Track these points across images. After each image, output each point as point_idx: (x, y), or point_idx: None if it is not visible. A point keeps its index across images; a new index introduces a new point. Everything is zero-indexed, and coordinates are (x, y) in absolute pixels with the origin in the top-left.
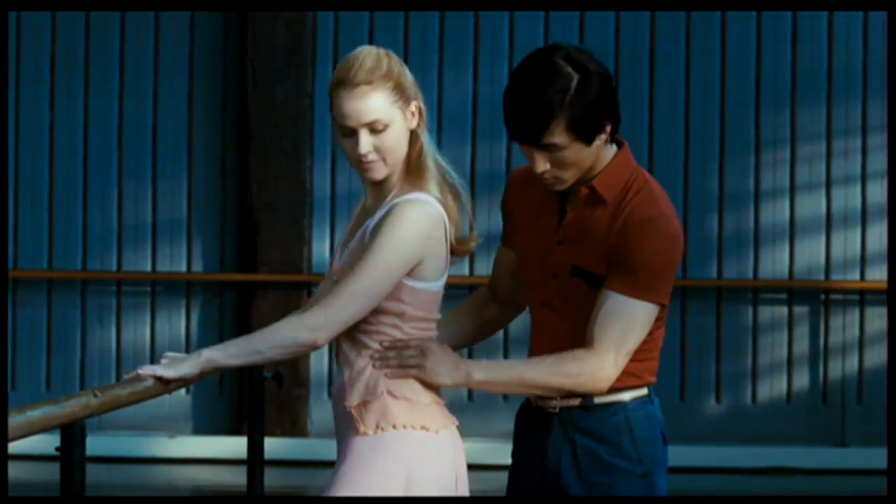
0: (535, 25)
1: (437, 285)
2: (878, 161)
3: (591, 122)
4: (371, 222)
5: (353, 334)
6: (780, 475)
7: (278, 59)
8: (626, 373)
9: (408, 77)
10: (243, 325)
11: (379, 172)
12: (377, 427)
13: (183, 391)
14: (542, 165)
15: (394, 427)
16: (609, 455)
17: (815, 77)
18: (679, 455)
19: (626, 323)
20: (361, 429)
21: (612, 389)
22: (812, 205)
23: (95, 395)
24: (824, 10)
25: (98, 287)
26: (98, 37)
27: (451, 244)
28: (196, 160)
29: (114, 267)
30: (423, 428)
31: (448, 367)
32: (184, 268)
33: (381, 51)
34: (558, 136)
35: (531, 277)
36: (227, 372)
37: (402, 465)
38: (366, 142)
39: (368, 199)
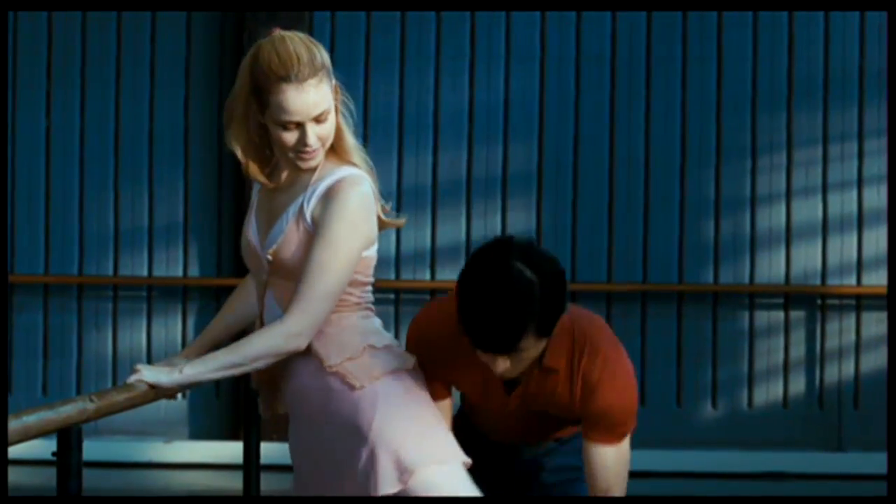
0: (532, 32)
1: (375, 249)
2: (875, 166)
3: (555, 320)
4: (307, 201)
5: None
6: (777, 480)
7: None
8: None
9: (329, 61)
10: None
11: (318, 159)
12: (372, 378)
13: (179, 396)
14: (503, 366)
15: (377, 378)
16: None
17: (812, 82)
18: (675, 460)
19: (624, 466)
20: (357, 384)
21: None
22: (808, 209)
23: (92, 400)
24: (821, 10)
25: (94, 292)
26: (94, 40)
27: (378, 211)
28: (192, 165)
29: (110, 272)
30: (414, 369)
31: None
32: (180, 272)
33: (303, 37)
34: (528, 342)
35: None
36: None
37: (418, 387)
38: (312, 133)
39: (291, 173)
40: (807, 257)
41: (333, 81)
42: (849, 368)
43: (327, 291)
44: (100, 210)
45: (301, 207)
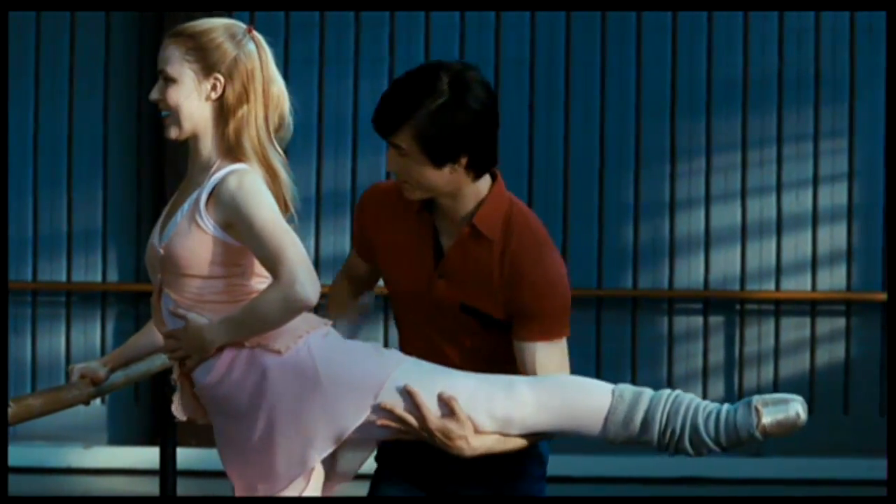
0: (451, 35)
1: None
2: (793, 171)
3: (443, 145)
4: (201, 193)
5: (198, 304)
6: (696, 485)
7: None
8: None
9: (223, 51)
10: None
11: (170, 130)
12: (295, 338)
13: (98, 401)
14: (390, 165)
15: (301, 337)
16: (515, 463)
17: (731, 87)
18: (595, 466)
19: (561, 366)
20: (283, 347)
21: None
22: (727, 215)
23: (9, 406)
24: (740, 12)
25: (13, 297)
26: (14, 44)
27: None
28: (111, 170)
29: (29, 277)
30: (325, 325)
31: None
32: (99, 278)
33: (226, 21)
34: (404, 141)
35: (406, 305)
36: (142, 381)
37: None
38: (156, 88)
39: (189, 173)
40: (726, 262)
41: (219, 76)
42: (768, 373)
43: (288, 238)
44: (19, 215)
45: (196, 200)
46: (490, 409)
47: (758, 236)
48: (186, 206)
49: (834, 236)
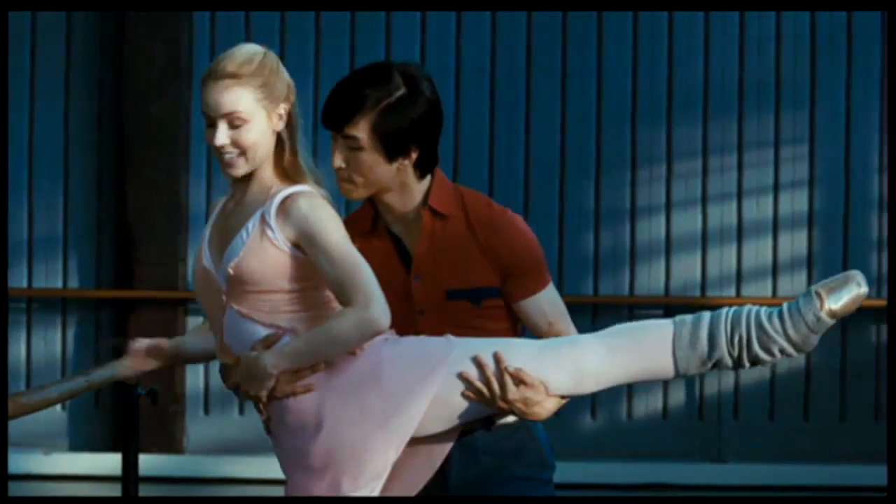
0: (412, 43)
1: None
2: (754, 178)
3: (397, 138)
4: (267, 212)
5: (275, 315)
6: (656, 491)
7: (155, 76)
8: None
9: (281, 78)
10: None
11: (237, 168)
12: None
13: (59, 407)
14: (339, 160)
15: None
16: (518, 468)
17: (692, 94)
18: (556, 472)
19: (561, 306)
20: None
21: None
22: (688, 221)
23: None
24: (701, 13)
25: None
26: None
27: None
28: (72, 176)
29: None
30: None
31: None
32: (60, 284)
33: (259, 48)
34: (360, 132)
35: (396, 313)
36: (103, 388)
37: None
38: (222, 133)
39: (236, 199)
40: (687, 269)
41: (284, 105)
42: (728, 379)
43: (359, 261)
44: None
45: (262, 219)
46: (561, 366)
47: (718, 243)
48: (251, 225)
49: (795, 243)
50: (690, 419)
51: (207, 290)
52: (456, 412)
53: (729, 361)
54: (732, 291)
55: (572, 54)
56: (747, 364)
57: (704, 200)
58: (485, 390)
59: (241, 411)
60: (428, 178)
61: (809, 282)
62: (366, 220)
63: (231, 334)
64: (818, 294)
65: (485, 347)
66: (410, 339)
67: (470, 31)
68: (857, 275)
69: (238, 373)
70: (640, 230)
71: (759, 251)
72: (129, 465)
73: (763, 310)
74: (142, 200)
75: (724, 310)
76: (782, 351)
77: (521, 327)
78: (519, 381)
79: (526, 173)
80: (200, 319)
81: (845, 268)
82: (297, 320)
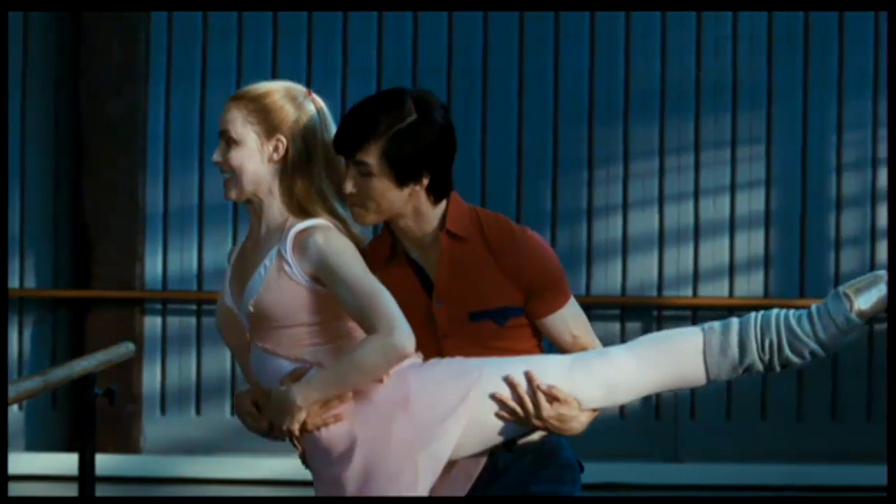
0: (369, 43)
1: None
2: (711, 178)
3: (407, 164)
4: (283, 247)
5: (299, 348)
6: (614, 491)
7: (112, 75)
8: None
9: (285, 112)
10: (76, 342)
11: (228, 191)
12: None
13: (16, 407)
14: (350, 186)
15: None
16: (546, 470)
17: (648, 94)
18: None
19: (583, 318)
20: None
21: None
22: (644, 221)
23: None
24: (657, 13)
25: None
26: None
27: None
28: (29, 176)
29: None
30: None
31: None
32: (16, 283)
33: (286, 84)
34: (370, 157)
35: (421, 339)
36: (60, 387)
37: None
38: (218, 150)
39: (252, 237)
40: (643, 268)
41: (281, 138)
42: None
43: (378, 289)
44: None
45: (279, 255)
46: (593, 379)
47: (675, 243)
48: (268, 262)
49: (751, 243)
50: (647, 419)
51: (232, 330)
52: (492, 432)
53: (760, 366)
54: (689, 291)
55: (529, 54)
56: (778, 368)
57: (661, 200)
58: (519, 409)
59: (198, 412)
60: (443, 202)
61: (766, 281)
62: (385, 247)
63: (259, 371)
64: (846, 295)
65: (515, 366)
66: (437, 363)
67: (426, 31)
68: (885, 274)
69: (269, 408)
70: (596, 230)
71: (715, 251)
72: (86, 464)
73: (791, 313)
74: (99, 200)
75: (752, 315)
76: (812, 353)
77: (544, 343)
78: (552, 398)
79: (482, 173)
80: (158, 319)
81: (802, 268)
82: (321, 352)
